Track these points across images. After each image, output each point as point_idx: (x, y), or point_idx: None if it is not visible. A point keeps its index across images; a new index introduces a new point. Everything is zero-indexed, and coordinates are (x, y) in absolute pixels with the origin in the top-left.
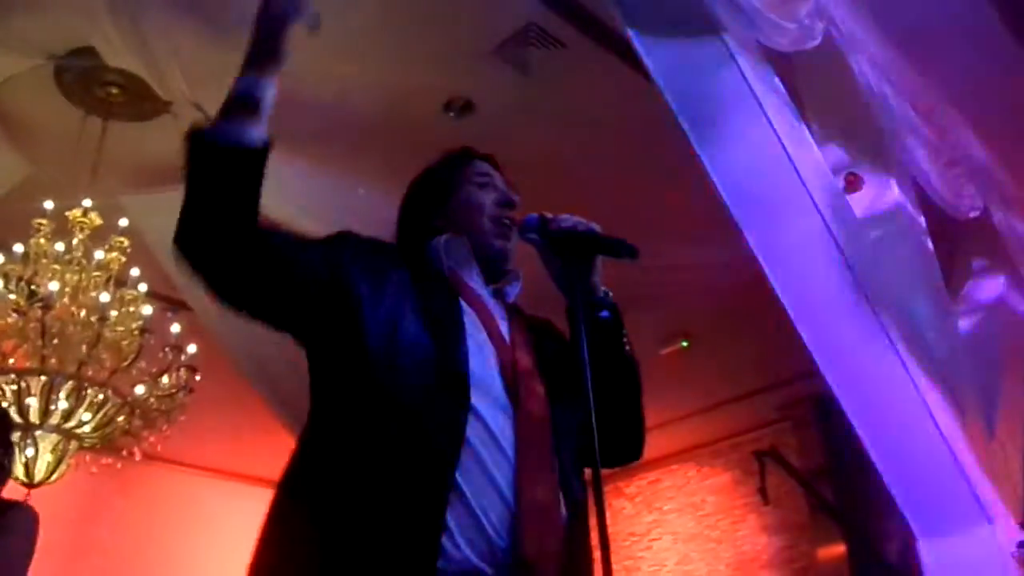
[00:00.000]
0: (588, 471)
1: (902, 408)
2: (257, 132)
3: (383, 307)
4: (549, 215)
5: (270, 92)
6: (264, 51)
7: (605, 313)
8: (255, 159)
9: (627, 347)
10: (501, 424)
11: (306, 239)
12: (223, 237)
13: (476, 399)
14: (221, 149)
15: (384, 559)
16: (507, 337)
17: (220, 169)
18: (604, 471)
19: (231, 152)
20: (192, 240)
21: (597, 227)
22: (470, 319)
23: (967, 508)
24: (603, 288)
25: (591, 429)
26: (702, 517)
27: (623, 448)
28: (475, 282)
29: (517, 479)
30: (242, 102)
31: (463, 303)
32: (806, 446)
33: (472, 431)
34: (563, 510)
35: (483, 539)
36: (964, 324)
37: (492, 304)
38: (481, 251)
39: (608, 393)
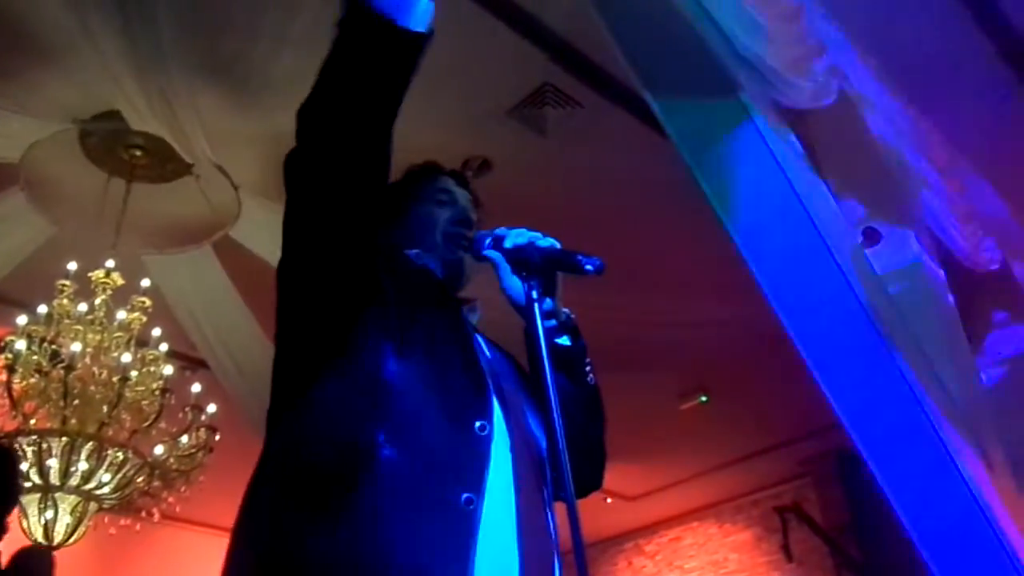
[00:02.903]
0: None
1: (927, 462)
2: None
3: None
4: (502, 231)
5: None
6: None
7: (567, 340)
8: (414, 44)
9: (589, 373)
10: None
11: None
12: (357, 127)
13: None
14: (382, 25)
15: None
16: (489, 354)
17: (378, 48)
18: (622, 529)
19: (392, 31)
20: (324, 119)
21: (558, 243)
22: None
23: (997, 563)
24: (564, 311)
25: (556, 460)
26: (725, 575)
27: (584, 479)
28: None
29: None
30: None
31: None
32: (829, 501)
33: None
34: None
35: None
36: (987, 376)
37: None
38: (438, 269)
39: (570, 421)
